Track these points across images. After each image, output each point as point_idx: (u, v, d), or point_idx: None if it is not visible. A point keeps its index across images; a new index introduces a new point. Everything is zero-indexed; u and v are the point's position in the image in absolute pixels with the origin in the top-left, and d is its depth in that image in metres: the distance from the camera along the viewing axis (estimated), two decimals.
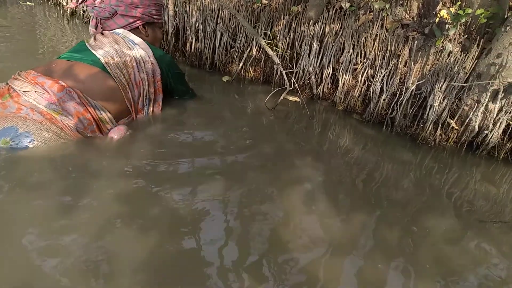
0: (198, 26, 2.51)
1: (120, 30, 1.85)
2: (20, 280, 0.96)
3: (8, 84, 1.55)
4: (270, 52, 2.07)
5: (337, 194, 1.47)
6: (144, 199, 1.30)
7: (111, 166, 1.45)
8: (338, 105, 2.25)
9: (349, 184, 1.55)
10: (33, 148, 1.42)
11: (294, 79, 2.34)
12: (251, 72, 2.50)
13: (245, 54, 2.43)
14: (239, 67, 2.46)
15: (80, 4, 1.90)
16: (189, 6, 2.51)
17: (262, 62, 2.46)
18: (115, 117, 1.68)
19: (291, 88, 2.08)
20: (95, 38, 1.79)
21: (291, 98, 2.26)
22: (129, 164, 1.47)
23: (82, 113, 1.54)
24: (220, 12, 2.47)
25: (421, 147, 1.93)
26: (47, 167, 1.38)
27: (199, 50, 2.56)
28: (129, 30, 1.86)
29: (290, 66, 2.35)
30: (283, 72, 2.06)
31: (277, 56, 2.30)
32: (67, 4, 1.88)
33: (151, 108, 1.85)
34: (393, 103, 2.02)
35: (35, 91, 1.49)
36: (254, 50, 2.44)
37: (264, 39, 2.35)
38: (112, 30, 1.86)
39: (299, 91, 2.12)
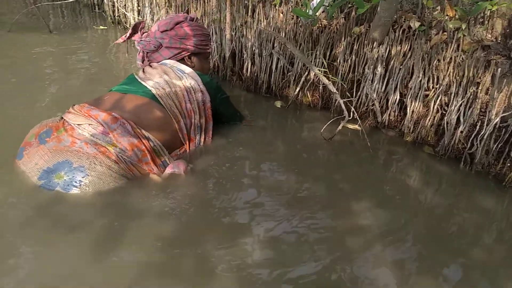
0: (254, 50, 2.43)
1: (167, 61, 1.84)
2: None
3: (62, 118, 1.58)
4: (325, 81, 1.91)
5: (401, 250, 1.26)
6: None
7: (168, 204, 1.40)
8: (406, 135, 2.01)
9: (417, 237, 1.33)
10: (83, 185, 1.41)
11: (356, 104, 2.15)
12: (309, 97, 2.36)
13: (303, 78, 2.30)
14: (296, 92, 2.33)
15: (127, 39, 1.92)
16: (245, 30, 2.44)
17: (321, 87, 2.31)
18: (168, 148, 1.64)
19: (350, 118, 1.90)
20: (143, 71, 1.79)
21: (351, 126, 2.07)
22: (187, 201, 1.41)
23: (136, 144, 1.51)
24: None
25: (507, 190, 1.63)
26: (98, 205, 1.37)
27: (255, 74, 2.48)
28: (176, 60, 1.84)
29: (349, 93, 2.17)
30: (341, 102, 1.89)
31: (334, 83, 2.14)
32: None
33: (203, 137, 1.79)
34: (472, 136, 1.75)
35: (88, 124, 1.50)
36: (312, 74, 2.30)
37: (320, 66, 2.20)
38: (158, 62, 1.85)
39: (359, 120, 1.92)
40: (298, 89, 2.33)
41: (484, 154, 1.73)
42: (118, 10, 3.77)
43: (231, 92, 2.51)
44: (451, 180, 1.70)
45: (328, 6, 2.18)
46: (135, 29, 1.91)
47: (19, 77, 2.42)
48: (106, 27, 3.78)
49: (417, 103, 1.95)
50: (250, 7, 2.51)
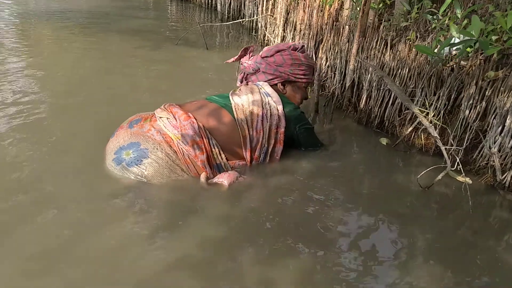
0: (372, 83, 2.37)
1: (260, 83, 1.97)
2: None
3: (153, 112, 1.87)
4: (425, 122, 1.75)
5: None
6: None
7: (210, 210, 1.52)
8: None
9: None
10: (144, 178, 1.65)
11: (476, 157, 1.89)
12: (422, 139, 2.16)
13: (419, 118, 2.12)
14: (408, 132, 2.17)
15: (236, 60, 2.13)
16: (369, 61, 2.41)
17: (437, 130, 2.09)
18: (228, 155, 1.77)
19: (453, 169, 1.68)
20: (240, 89, 1.96)
21: (461, 179, 1.81)
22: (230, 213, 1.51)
23: (197, 142, 1.69)
24: (400, 70, 2.26)
25: None
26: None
27: (370, 107, 2.41)
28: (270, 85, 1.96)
29: (471, 142, 1.91)
30: (443, 149, 1.69)
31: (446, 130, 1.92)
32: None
33: (268, 158, 1.87)
34: None
35: (167, 118, 1.75)
36: (431, 115, 2.11)
37: (443, 108, 2.00)
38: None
39: (463, 173, 1.67)
40: (411, 128, 2.17)
41: None
42: (266, 35, 4.16)
43: (342, 121, 2.49)
44: None
45: (460, 46, 1.99)
46: (245, 52, 2.12)
47: (177, 80, 2.93)
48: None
49: None
50: (377, 40, 2.46)
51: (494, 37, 1.98)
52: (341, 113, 2.59)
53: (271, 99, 1.86)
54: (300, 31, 3.07)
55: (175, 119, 1.74)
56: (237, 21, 4.87)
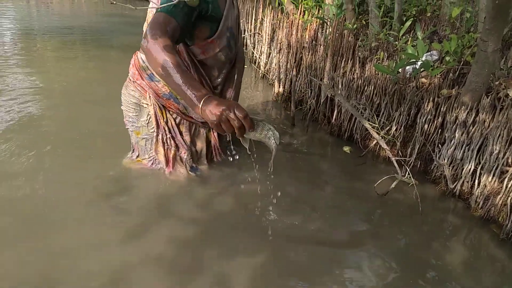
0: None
1: None
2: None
3: None
4: (375, 136, 1.92)
5: None
6: None
7: None
8: (474, 210, 1.82)
9: None
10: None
11: (434, 167, 2.06)
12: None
13: (382, 132, 2.30)
14: (372, 144, 2.34)
15: None
16: (339, 78, 2.59)
17: (398, 143, 2.26)
18: None
19: (404, 178, 1.84)
20: None
21: (406, 180, 1.94)
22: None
23: None
24: (367, 87, 2.44)
25: None
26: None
27: (341, 121, 2.58)
28: None
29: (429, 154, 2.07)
30: (393, 159, 1.86)
31: (384, 140, 2.09)
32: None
33: None
34: None
35: None
36: (393, 128, 2.28)
37: (401, 122, 2.18)
38: None
39: (413, 180, 1.83)
40: (376, 141, 2.33)
41: None
42: (253, 53, 4.37)
43: (317, 133, 2.66)
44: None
45: (416, 66, 2.17)
46: None
47: None
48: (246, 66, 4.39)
49: (491, 178, 1.76)
50: (347, 58, 2.65)
51: (447, 58, 2.17)
52: (316, 125, 2.77)
53: None
54: (281, 49, 3.26)
55: None
56: None
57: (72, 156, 2.00)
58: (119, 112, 1.86)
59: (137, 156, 1.89)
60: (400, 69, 2.19)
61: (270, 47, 3.96)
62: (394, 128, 2.28)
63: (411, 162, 2.13)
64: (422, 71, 2.34)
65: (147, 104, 1.76)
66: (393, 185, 1.86)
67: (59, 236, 1.47)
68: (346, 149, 2.36)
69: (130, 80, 1.78)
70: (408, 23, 2.39)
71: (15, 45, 4.38)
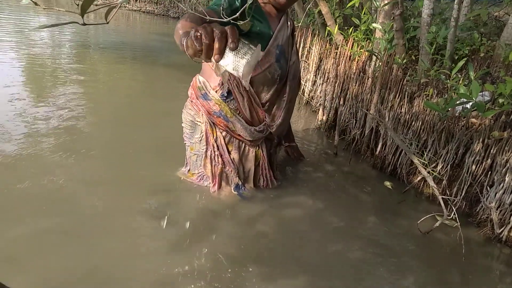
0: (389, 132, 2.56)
1: None
2: None
3: None
4: (423, 172, 1.91)
5: None
6: None
7: None
8: None
9: None
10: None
11: (480, 209, 2.01)
12: (430, 188, 2.30)
13: (428, 168, 2.28)
14: (417, 180, 2.32)
15: None
16: (386, 110, 2.61)
17: (445, 181, 2.23)
18: None
19: (448, 218, 1.82)
20: None
21: (447, 222, 1.91)
22: None
23: None
24: (414, 122, 2.44)
25: None
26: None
27: (385, 154, 2.58)
28: None
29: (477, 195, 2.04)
30: (440, 198, 1.84)
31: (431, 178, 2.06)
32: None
33: None
34: None
35: None
36: (440, 166, 2.26)
37: (452, 160, 2.16)
38: None
39: (458, 222, 1.79)
40: (420, 177, 2.32)
41: None
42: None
43: (359, 165, 2.67)
44: None
45: (467, 105, 2.16)
46: None
47: None
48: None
49: None
50: (395, 92, 2.67)
51: (501, 100, 2.15)
52: (359, 157, 2.78)
53: None
54: (328, 79, 3.33)
55: None
56: None
57: (126, 167, 2.13)
58: (168, 127, 1.97)
59: (189, 170, 2.00)
60: (450, 108, 2.18)
61: (316, 75, 4.04)
62: (440, 166, 2.26)
63: (458, 202, 2.10)
64: (473, 111, 2.32)
65: (200, 122, 1.87)
66: (437, 224, 1.84)
67: (107, 242, 1.57)
68: (388, 184, 2.35)
69: (189, 99, 1.91)
70: (461, 63, 2.40)
71: (72, 57, 4.73)
